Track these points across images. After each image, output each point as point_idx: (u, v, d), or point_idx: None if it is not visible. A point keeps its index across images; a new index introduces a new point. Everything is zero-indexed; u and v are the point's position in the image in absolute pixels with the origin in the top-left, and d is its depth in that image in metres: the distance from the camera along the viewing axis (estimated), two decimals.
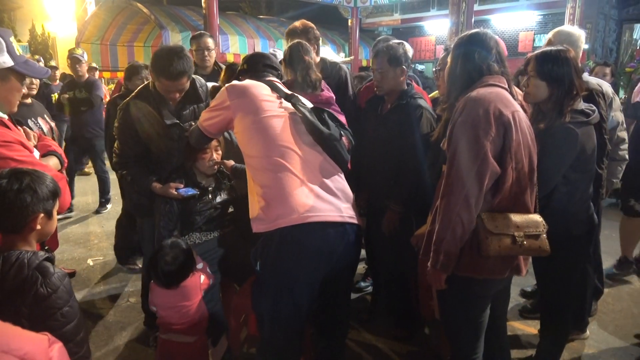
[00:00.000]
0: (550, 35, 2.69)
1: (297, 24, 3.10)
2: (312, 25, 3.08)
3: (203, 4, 7.02)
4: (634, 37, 11.15)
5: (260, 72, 2.17)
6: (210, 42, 3.59)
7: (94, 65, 8.33)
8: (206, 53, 3.55)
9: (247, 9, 17.11)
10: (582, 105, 2.14)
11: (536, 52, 2.18)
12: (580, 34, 2.66)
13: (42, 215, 1.47)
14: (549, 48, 2.16)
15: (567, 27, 2.72)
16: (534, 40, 11.67)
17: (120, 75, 8.58)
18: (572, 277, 2.31)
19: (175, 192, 2.38)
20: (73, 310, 1.43)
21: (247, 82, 2.08)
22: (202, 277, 2.26)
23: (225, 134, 2.58)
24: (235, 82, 2.11)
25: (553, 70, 2.07)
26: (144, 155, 2.52)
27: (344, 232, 1.90)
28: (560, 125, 2.05)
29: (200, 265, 2.31)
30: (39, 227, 1.47)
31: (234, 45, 10.67)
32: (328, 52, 3.74)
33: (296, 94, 2.08)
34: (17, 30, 16.15)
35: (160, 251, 2.16)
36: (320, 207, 1.85)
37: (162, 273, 2.12)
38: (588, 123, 2.11)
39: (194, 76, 2.50)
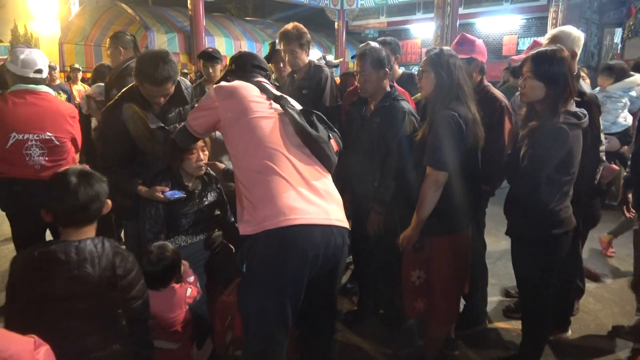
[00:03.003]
0: (556, 31, 2.70)
1: (290, 27, 3.13)
2: (305, 29, 3.14)
3: (189, 5, 6.99)
4: (615, 41, 11.34)
5: (248, 73, 2.16)
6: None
7: (77, 66, 8.24)
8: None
9: (234, 10, 17.10)
10: (574, 107, 2.18)
11: (531, 52, 2.20)
12: (579, 35, 2.66)
13: (109, 200, 1.67)
14: (544, 48, 2.19)
15: (568, 28, 2.74)
16: (517, 43, 11.81)
17: None
18: (551, 276, 2.35)
19: (162, 196, 2.34)
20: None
21: (236, 82, 2.07)
22: (190, 290, 2.23)
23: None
24: (223, 82, 2.09)
25: (549, 70, 2.10)
26: (128, 158, 2.49)
27: (330, 234, 1.90)
28: (553, 124, 2.09)
29: (191, 279, 2.27)
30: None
31: (220, 46, 10.63)
32: (316, 54, 3.80)
33: (285, 96, 2.08)
34: None
35: (145, 252, 2.14)
36: (307, 209, 1.85)
37: (146, 274, 2.09)
38: (579, 126, 2.15)
39: (179, 78, 2.48)
